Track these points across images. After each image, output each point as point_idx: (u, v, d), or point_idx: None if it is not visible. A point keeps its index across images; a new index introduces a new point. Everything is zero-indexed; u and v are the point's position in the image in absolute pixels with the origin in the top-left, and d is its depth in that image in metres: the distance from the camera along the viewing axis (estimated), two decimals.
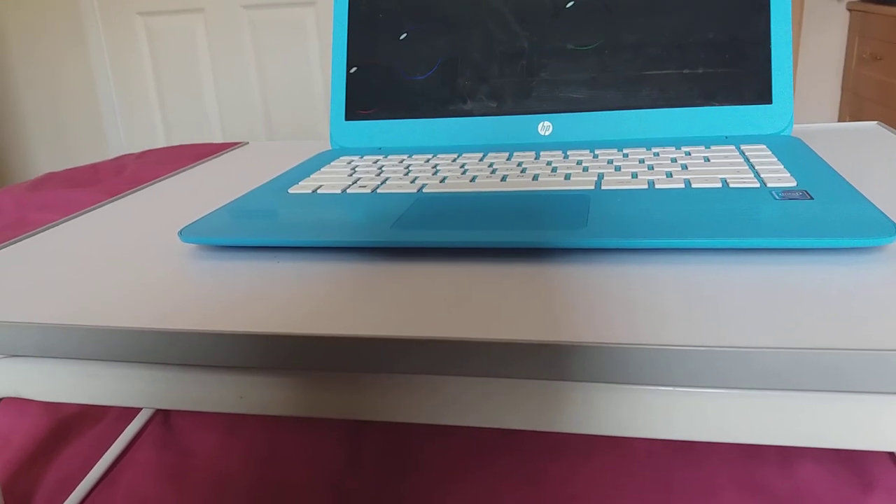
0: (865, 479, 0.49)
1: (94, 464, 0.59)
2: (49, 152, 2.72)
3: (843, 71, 2.30)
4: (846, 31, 2.27)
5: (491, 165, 0.54)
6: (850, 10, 2.24)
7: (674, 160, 0.51)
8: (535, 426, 0.34)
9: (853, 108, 2.22)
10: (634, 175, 0.48)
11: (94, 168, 1.38)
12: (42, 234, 0.52)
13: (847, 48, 2.27)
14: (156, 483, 0.56)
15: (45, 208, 1.13)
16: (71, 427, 0.64)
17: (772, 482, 0.50)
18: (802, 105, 2.35)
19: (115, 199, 0.60)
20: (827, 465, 0.50)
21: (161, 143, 2.64)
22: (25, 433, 0.63)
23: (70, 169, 1.39)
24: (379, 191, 0.50)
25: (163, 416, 0.64)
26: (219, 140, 2.60)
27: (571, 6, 0.60)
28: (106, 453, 0.60)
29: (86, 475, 0.58)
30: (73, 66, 2.61)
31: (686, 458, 0.53)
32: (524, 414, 0.34)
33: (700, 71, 0.58)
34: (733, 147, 0.53)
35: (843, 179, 0.44)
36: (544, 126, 0.61)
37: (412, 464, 0.56)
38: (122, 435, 0.62)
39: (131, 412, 0.65)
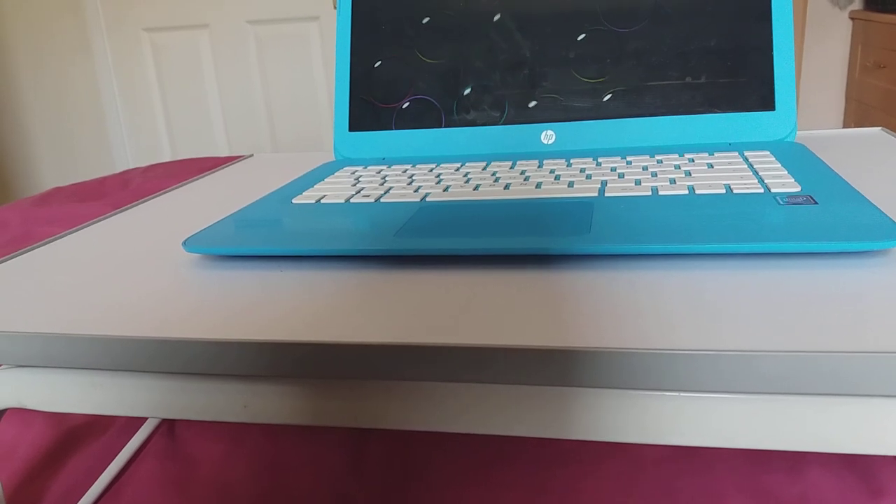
0: (873, 486, 0.48)
1: (99, 475, 0.59)
2: (55, 167, 2.74)
3: (847, 80, 2.30)
4: (849, 40, 2.27)
5: (494, 174, 0.54)
6: (852, 18, 2.24)
7: (677, 167, 0.51)
8: (543, 434, 0.33)
9: (858, 116, 2.21)
10: (638, 182, 0.48)
11: (100, 182, 1.39)
12: (46, 245, 0.52)
13: (850, 57, 2.27)
14: (160, 494, 0.56)
15: (51, 223, 1.14)
16: (75, 438, 0.64)
17: (779, 489, 0.49)
18: (807, 114, 2.35)
19: (120, 211, 0.60)
20: (835, 471, 0.50)
21: (167, 157, 2.65)
22: (30, 444, 0.63)
23: (76, 183, 1.40)
24: (382, 200, 0.50)
25: (167, 427, 0.64)
26: (224, 154, 2.61)
27: (573, 15, 0.61)
28: (110, 465, 0.60)
29: (90, 487, 0.58)
30: (79, 83, 2.62)
31: (692, 465, 0.52)
32: (531, 422, 0.33)
33: (703, 78, 0.58)
34: (737, 153, 0.53)
35: (848, 184, 0.44)
36: (547, 135, 0.61)
37: (417, 472, 0.56)
38: (126, 446, 0.62)
39: (136, 423, 0.65)
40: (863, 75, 2.17)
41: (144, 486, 0.57)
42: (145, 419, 0.65)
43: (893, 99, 1.95)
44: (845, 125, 2.33)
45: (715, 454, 0.53)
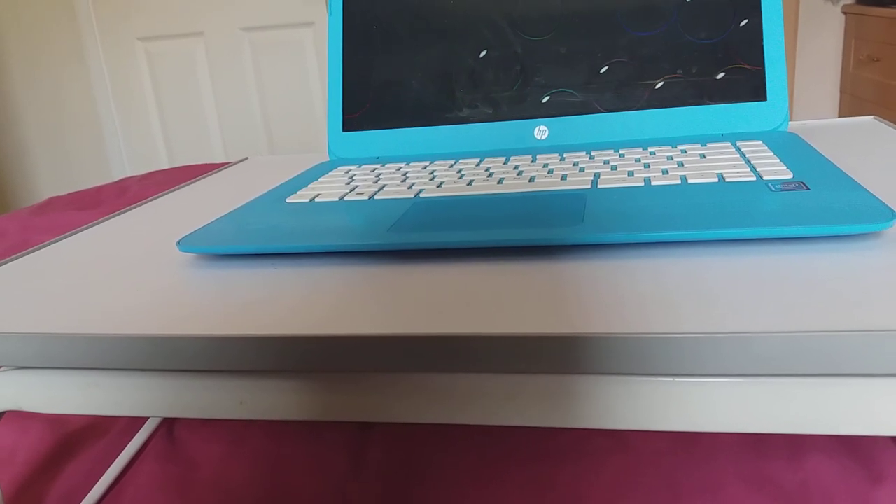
0: (874, 472, 0.48)
1: (99, 478, 0.59)
2: (52, 177, 2.74)
3: (841, 73, 2.30)
4: (842, 34, 2.28)
5: (488, 170, 0.54)
6: (845, 12, 2.24)
7: (670, 158, 0.51)
8: (548, 423, 0.33)
9: (852, 110, 2.22)
10: (630, 173, 0.48)
11: (98, 191, 1.39)
12: (43, 249, 0.52)
13: (844, 51, 2.28)
14: (161, 496, 0.56)
15: (49, 231, 1.14)
16: (75, 441, 0.64)
17: (780, 476, 0.49)
18: (801, 108, 2.35)
19: (116, 215, 0.60)
20: (835, 457, 0.50)
21: (164, 165, 2.66)
22: (29, 448, 0.63)
23: (73, 192, 1.40)
24: (376, 197, 0.50)
25: (167, 429, 0.64)
26: (221, 160, 2.61)
27: (563, 11, 0.61)
28: (110, 467, 0.60)
29: (90, 490, 0.58)
30: (74, 92, 2.63)
31: (694, 456, 0.52)
32: (536, 411, 0.33)
33: (694, 70, 0.58)
34: (729, 144, 0.53)
35: (840, 170, 0.44)
36: (540, 130, 0.61)
37: (418, 471, 0.55)
38: (125, 449, 0.62)
39: (135, 426, 0.65)
40: (857, 69, 2.17)
41: (145, 489, 0.57)
42: (144, 422, 0.65)
43: (887, 92, 1.96)
44: None
45: (716, 444, 0.53)
